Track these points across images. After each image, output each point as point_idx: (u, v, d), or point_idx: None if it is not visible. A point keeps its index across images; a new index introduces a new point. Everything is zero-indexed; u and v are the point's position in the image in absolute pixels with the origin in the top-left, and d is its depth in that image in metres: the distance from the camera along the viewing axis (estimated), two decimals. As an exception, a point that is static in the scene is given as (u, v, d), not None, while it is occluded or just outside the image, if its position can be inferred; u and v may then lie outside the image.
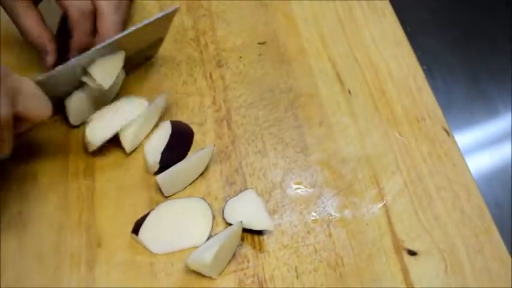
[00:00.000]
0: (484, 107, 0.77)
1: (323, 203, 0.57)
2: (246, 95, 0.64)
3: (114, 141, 0.57)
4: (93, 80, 0.55)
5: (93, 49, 0.54)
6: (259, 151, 0.59)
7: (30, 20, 0.56)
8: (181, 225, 0.53)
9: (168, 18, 0.60)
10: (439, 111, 0.65)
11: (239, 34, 0.69)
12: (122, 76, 0.60)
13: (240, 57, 0.67)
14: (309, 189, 0.58)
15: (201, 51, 0.67)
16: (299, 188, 0.58)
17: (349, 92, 0.65)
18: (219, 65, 0.66)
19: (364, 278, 0.52)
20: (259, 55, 0.67)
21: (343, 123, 0.63)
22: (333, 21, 0.72)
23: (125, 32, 0.55)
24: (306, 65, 0.67)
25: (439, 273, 0.53)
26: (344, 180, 0.58)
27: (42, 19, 0.57)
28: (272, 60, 0.67)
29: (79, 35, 0.57)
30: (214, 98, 0.63)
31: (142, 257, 0.52)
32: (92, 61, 0.55)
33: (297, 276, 0.52)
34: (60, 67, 0.52)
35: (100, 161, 0.57)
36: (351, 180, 0.59)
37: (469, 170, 0.60)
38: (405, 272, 0.53)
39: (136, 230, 0.52)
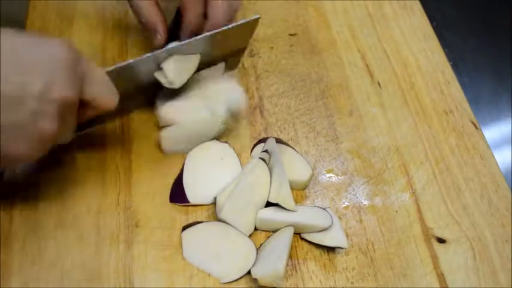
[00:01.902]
0: (510, 103, 0.77)
1: (354, 190, 0.58)
2: (277, 84, 0.65)
3: (151, 123, 0.58)
4: (166, 76, 0.55)
5: (170, 46, 0.55)
6: (291, 139, 0.61)
7: (145, 2, 0.57)
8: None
9: (250, 28, 0.59)
10: (466, 105, 0.66)
11: (270, 25, 0.71)
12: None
13: (272, 47, 0.68)
14: (340, 177, 0.59)
15: (234, 41, 0.68)
16: (331, 176, 0.59)
17: (379, 83, 0.66)
18: (251, 54, 0.67)
19: (394, 264, 0.53)
20: (291, 46, 0.69)
21: (372, 113, 0.64)
22: (362, 15, 0.73)
23: (204, 34, 0.55)
24: (336, 56, 0.68)
25: (467, 260, 0.54)
26: (374, 168, 0.60)
27: (157, 2, 0.58)
28: (303, 51, 0.68)
29: (190, 17, 0.57)
30: (247, 86, 0.64)
31: (178, 239, 0.53)
32: (167, 58, 0.55)
33: (329, 259, 0.53)
34: (135, 59, 0.52)
35: (136, 144, 0.58)
36: (380, 168, 0.60)
37: (496, 162, 0.61)
38: (434, 258, 0.54)
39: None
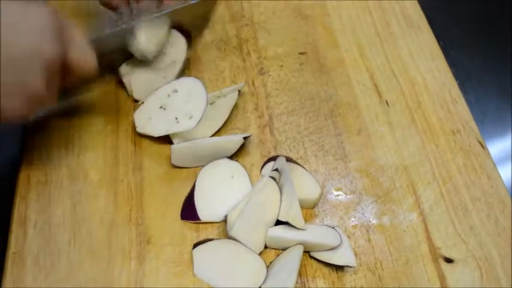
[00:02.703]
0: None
1: (362, 209, 0.59)
2: (287, 102, 0.66)
3: (164, 141, 0.59)
4: (138, 45, 0.59)
5: (142, 18, 0.59)
6: (300, 157, 0.62)
7: None
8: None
9: (213, 3, 0.64)
10: (473, 124, 0.67)
11: (280, 44, 0.72)
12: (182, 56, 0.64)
13: (281, 66, 0.69)
14: (348, 196, 0.59)
15: (244, 59, 0.70)
16: (339, 194, 0.59)
17: (387, 102, 0.67)
18: (261, 72, 0.69)
19: (402, 283, 0.54)
20: (300, 64, 0.70)
21: (380, 132, 0.65)
22: (370, 35, 0.74)
23: (173, 7, 0.60)
24: (345, 75, 0.69)
25: (474, 280, 0.55)
26: (382, 187, 0.60)
27: None
28: (312, 70, 0.69)
29: None
30: (257, 104, 0.65)
31: (189, 255, 0.54)
32: (138, 30, 0.59)
33: (338, 278, 0.54)
34: (109, 31, 0.57)
35: (148, 160, 0.59)
36: (388, 187, 0.60)
37: (503, 182, 0.62)
38: (442, 278, 0.55)
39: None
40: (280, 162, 0.56)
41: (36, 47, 0.47)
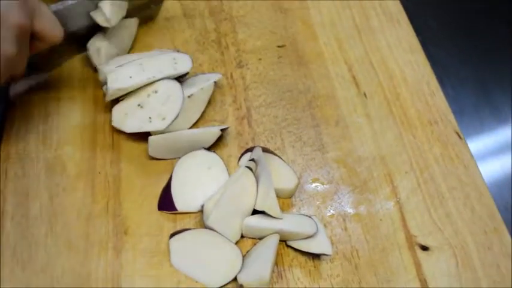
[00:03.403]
0: (493, 115, 0.79)
1: (339, 199, 0.59)
2: (265, 95, 0.66)
3: (141, 134, 0.59)
4: (103, 15, 0.61)
5: None
6: (278, 148, 0.62)
7: None
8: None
9: None
10: (451, 116, 0.67)
11: (259, 37, 0.72)
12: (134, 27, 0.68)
13: (260, 59, 0.70)
14: (325, 186, 0.60)
15: (223, 53, 0.70)
16: (317, 185, 0.60)
17: (365, 94, 0.68)
18: (240, 66, 0.69)
19: (378, 270, 0.55)
20: (279, 57, 0.70)
21: (358, 123, 0.65)
22: (349, 27, 0.74)
23: None
24: (324, 68, 0.70)
25: (450, 268, 0.55)
26: (359, 177, 0.61)
27: None
28: (291, 62, 0.70)
29: None
30: (235, 97, 0.66)
31: (166, 246, 0.54)
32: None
33: (314, 266, 0.54)
34: (73, 1, 0.59)
35: (126, 152, 0.60)
36: (365, 178, 0.61)
37: (479, 171, 0.63)
38: (418, 265, 0.55)
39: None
40: (257, 153, 0.57)
41: (5, 13, 0.48)
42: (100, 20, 0.61)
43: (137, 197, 0.57)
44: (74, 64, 0.66)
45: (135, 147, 0.60)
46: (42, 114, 0.62)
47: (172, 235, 0.54)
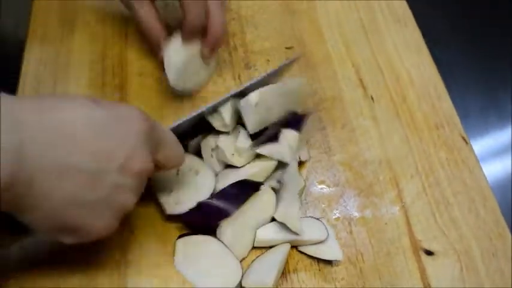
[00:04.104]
0: (499, 118, 0.79)
1: (345, 202, 0.59)
2: (273, 97, 0.66)
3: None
4: (222, 119, 0.58)
5: (226, 95, 0.58)
6: (284, 150, 0.62)
7: (144, 10, 0.61)
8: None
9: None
10: (457, 119, 0.67)
11: (267, 38, 0.72)
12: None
13: (268, 60, 0.70)
14: (331, 188, 0.60)
15: (230, 53, 0.70)
16: (323, 187, 0.60)
17: (371, 97, 0.68)
18: (248, 67, 0.69)
19: (383, 274, 0.55)
20: (286, 59, 0.70)
21: (365, 126, 0.65)
22: (356, 29, 0.74)
23: (256, 79, 0.60)
24: (331, 70, 0.70)
25: (454, 273, 0.56)
26: (365, 181, 0.61)
27: (156, 12, 0.62)
28: (298, 64, 0.70)
29: (191, 17, 0.59)
30: (242, 98, 0.66)
31: (172, 246, 0.54)
32: (218, 106, 0.58)
33: (319, 269, 0.54)
34: (191, 115, 0.56)
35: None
36: (371, 181, 0.61)
37: (485, 176, 0.63)
38: (422, 270, 0.56)
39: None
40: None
41: (128, 159, 0.44)
42: (217, 125, 0.58)
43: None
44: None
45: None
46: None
47: (180, 236, 0.54)
